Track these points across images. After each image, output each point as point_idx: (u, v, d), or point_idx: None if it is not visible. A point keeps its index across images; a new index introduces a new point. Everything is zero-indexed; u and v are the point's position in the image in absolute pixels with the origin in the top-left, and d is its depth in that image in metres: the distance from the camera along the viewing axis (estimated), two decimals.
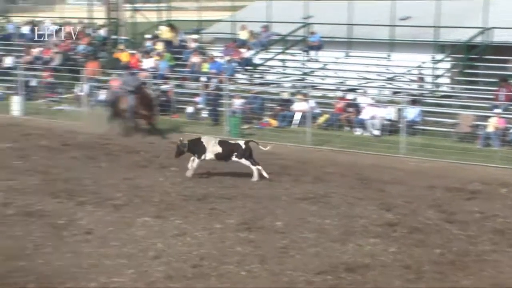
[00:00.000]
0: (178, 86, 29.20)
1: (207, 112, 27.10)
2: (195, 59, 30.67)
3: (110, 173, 19.34)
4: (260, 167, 18.90)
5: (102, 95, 28.61)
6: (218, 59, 30.37)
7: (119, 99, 24.33)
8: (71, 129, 25.26)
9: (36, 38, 36.37)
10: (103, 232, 14.45)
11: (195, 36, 34.23)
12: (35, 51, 34.04)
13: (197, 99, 27.89)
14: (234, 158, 18.89)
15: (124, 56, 32.12)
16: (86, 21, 38.60)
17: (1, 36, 38.79)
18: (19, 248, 13.47)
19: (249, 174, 18.75)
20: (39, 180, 18.34)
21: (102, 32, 36.02)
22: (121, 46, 33.42)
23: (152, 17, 36.01)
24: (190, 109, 27.60)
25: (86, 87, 28.86)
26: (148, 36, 34.98)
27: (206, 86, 28.13)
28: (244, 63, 30.62)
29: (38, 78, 31.14)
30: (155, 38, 33.71)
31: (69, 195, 16.95)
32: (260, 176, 18.85)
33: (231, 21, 35.36)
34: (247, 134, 24.51)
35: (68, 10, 51.58)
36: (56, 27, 37.69)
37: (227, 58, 30.50)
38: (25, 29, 38.07)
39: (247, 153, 18.84)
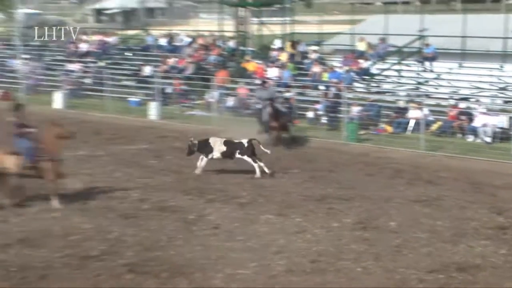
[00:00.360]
0: (299, 93, 29.20)
1: (326, 118, 26.98)
2: (316, 68, 30.62)
3: (236, 174, 19.48)
4: (262, 164, 19.07)
5: (230, 101, 28.93)
6: (337, 69, 30.19)
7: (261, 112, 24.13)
8: (202, 132, 25.57)
9: (172, 49, 37.02)
10: (229, 228, 14.57)
11: (316, 48, 34.16)
12: (171, 61, 34.62)
13: (317, 106, 27.80)
14: (237, 155, 19.23)
15: (250, 66, 32.33)
16: (216, 33, 39.02)
17: (141, 47, 39.67)
18: (154, 240, 13.73)
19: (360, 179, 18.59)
20: (173, 178, 18.67)
21: (231, 43, 36.34)
22: (248, 57, 33.64)
23: (277, 30, 36.11)
24: (310, 115, 27.57)
25: (216, 94, 29.19)
26: (273, 47, 35.11)
27: (326, 94, 27.98)
28: (362, 73, 30.35)
29: (173, 85, 31.68)
30: (280, 49, 33.82)
31: (199, 193, 17.18)
32: (262, 172, 19.02)
33: (350, 33, 35.10)
34: (364, 140, 24.32)
35: (201, 24, 52.50)
36: (190, 39, 38.25)
37: (346, 68, 30.28)
38: (162, 41, 38.77)
39: (249, 151, 19.20)
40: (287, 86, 29.48)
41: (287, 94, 28.57)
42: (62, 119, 28.56)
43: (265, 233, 14.24)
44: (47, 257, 12.69)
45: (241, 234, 14.12)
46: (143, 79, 33.65)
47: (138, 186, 17.44)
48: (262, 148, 19.59)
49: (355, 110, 26.00)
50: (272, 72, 31.00)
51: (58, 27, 55.56)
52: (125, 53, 38.97)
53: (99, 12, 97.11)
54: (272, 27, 36.08)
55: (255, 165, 19.14)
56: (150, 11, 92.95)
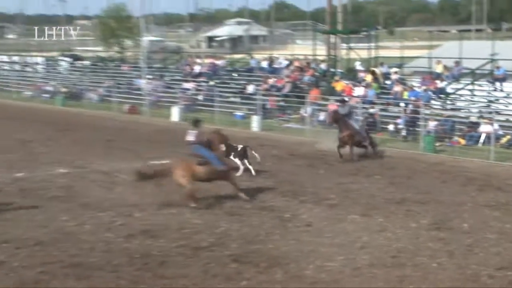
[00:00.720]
0: (382, 109, 28.89)
1: (406, 131, 26.59)
2: (397, 88, 30.25)
3: (326, 178, 19.39)
4: (251, 167, 19.59)
5: (322, 116, 28.88)
6: (416, 88, 29.75)
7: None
8: (296, 142, 25.61)
9: (272, 71, 37.21)
10: (320, 225, 14.49)
11: (397, 70, 33.73)
12: (271, 80, 34.83)
13: (398, 120, 27.42)
14: (231, 157, 19.58)
15: (339, 86, 32.18)
16: (310, 57, 39.01)
17: (245, 69, 40.02)
18: (254, 234, 13.78)
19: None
20: (271, 181, 18.69)
21: (323, 66, 36.26)
22: (337, 77, 33.49)
23: (363, 54, 35.84)
24: (391, 128, 27.23)
25: (309, 109, 29.21)
26: (359, 69, 34.87)
27: (406, 110, 27.60)
28: (438, 92, 29.78)
29: (272, 102, 31.82)
30: (366, 71, 33.53)
31: (293, 195, 17.16)
32: (247, 170, 19.59)
33: (428, 57, 34.46)
34: (439, 151, 23.83)
35: (297, 49, 52.45)
36: (287, 62, 38.38)
37: (424, 87, 29.79)
38: (264, 64, 39.02)
39: (241, 155, 19.75)
40: (371, 103, 29.25)
41: (371, 110, 28.36)
42: (178, 130, 29.20)
43: (351, 231, 14.11)
44: (165, 247, 12.91)
45: (330, 231, 14.03)
46: (247, 96, 33.95)
47: (241, 188, 17.53)
48: (254, 153, 19.91)
49: (432, 124, 25.51)
50: (358, 91, 30.80)
51: (176, 52, 56.83)
52: (232, 74, 39.40)
53: (210, 39, 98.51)
54: (359, 52, 35.84)
55: (241, 167, 19.63)
56: (254, 38, 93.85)
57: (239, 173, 19.37)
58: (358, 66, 35.42)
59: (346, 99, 26.09)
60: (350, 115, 22.89)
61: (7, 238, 13.30)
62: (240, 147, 19.95)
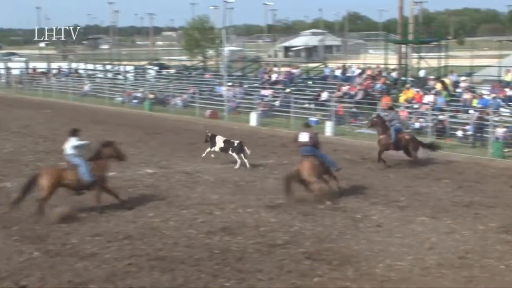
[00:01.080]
0: (451, 116, 28.27)
1: (474, 137, 25.95)
2: (466, 95, 29.57)
3: (396, 182, 19.15)
4: (246, 161, 20.70)
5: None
6: (485, 96, 28.99)
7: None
8: (368, 146, 25.33)
9: (345, 79, 36.98)
10: (390, 226, 14.33)
11: (466, 78, 32.97)
12: (344, 88, 34.62)
13: (467, 127, 26.79)
14: (229, 152, 20.87)
15: (410, 93, 31.68)
16: (382, 66, 38.60)
17: (319, 77, 39.88)
18: (327, 233, 13.75)
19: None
20: (343, 184, 18.54)
21: (394, 74, 35.80)
22: (408, 85, 33.00)
23: (433, 63, 35.19)
24: (459, 134, 26.63)
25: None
26: (430, 77, 34.25)
27: (475, 117, 26.94)
28: (507, 99, 28.93)
29: (346, 109, 31.60)
30: (435, 79, 32.91)
31: (365, 197, 17.03)
32: (242, 165, 20.66)
33: (498, 66, 33.59)
34: (508, 156, 23.15)
35: (369, 58, 52.00)
36: (360, 70, 38.07)
37: (493, 95, 29.01)
38: (337, 72, 38.83)
39: (237, 149, 20.81)
40: (441, 110, 28.68)
41: (440, 117, 27.80)
42: (255, 134, 29.41)
43: (420, 232, 13.89)
44: (243, 244, 13.02)
45: (399, 232, 13.86)
46: (321, 102, 33.84)
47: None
48: (245, 148, 20.99)
49: (501, 131, 24.80)
50: (428, 98, 30.25)
51: (255, 61, 57.15)
52: (307, 82, 39.31)
53: (287, 49, 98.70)
54: (429, 61, 35.21)
55: (239, 160, 20.77)
56: (328, 48, 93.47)
57: (236, 166, 20.50)
58: (422, 74, 34.87)
59: (393, 106, 25.65)
60: (391, 121, 22.56)
61: (100, 231, 13.69)
62: (236, 142, 21.11)
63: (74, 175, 15.01)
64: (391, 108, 23.89)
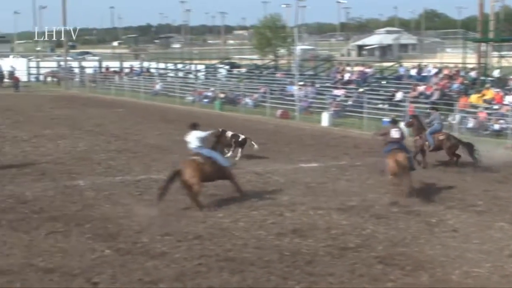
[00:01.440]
0: None
1: None
2: None
3: (473, 185, 18.72)
4: (239, 155, 21.90)
5: (471, 123, 27.92)
6: None
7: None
8: None
9: (420, 78, 36.44)
10: (467, 231, 14.01)
11: None
12: (420, 88, 34.13)
13: None
14: (233, 145, 21.95)
15: (489, 94, 30.93)
16: (460, 65, 37.86)
17: (394, 76, 39.45)
18: (400, 238, 13.55)
19: None
20: (416, 186, 18.23)
21: (473, 74, 35.07)
22: (488, 85, 32.22)
23: None
24: None
25: (457, 116, 28.32)
26: (499, 76, 33.41)
27: None
28: None
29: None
30: None
31: (440, 200, 16.69)
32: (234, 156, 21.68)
33: None
34: None
35: (446, 57, 51.09)
36: (436, 70, 37.45)
37: None
38: (413, 71, 38.33)
39: (241, 143, 22.10)
40: None
41: None
42: (327, 134, 29.29)
43: (499, 238, 13.53)
44: (313, 246, 12.97)
45: (477, 238, 13.53)
46: (395, 103, 33.44)
47: (388, 192, 17.28)
48: (253, 143, 22.31)
49: None
50: (509, 99, 29.47)
51: (327, 60, 56.97)
52: (381, 81, 38.92)
53: (360, 47, 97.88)
54: (511, 60, 34.27)
55: (239, 154, 21.95)
56: (403, 47, 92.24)
57: (237, 158, 21.55)
58: (496, 74, 33.98)
59: (435, 107, 25.05)
60: (431, 122, 22.04)
61: (170, 231, 13.89)
62: (242, 137, 22.29)
63: (214, 165, 15.91)
64: (435, 109, 23.46)
